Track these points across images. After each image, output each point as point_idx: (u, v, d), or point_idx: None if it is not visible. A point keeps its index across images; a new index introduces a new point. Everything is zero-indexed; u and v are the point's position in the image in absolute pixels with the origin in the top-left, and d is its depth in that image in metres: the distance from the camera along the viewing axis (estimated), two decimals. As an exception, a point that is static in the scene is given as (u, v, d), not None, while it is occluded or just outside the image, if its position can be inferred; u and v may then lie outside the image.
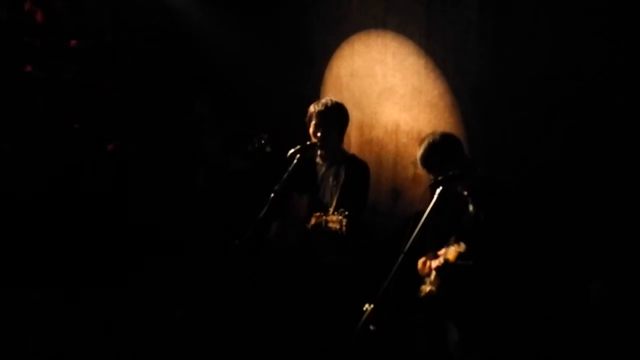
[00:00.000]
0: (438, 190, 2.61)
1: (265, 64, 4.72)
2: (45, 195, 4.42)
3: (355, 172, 3.28)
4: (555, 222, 2.99)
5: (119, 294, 4.02)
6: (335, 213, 2.99)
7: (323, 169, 3.41)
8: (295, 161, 3.25)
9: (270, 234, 3.47)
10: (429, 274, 2.82)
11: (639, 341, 2.71)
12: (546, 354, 2.86)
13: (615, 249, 2.86)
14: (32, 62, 4.47)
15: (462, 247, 2.72)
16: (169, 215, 4.67)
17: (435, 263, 2.77)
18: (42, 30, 4.49)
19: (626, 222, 2.83)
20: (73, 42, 4.54)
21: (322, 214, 3.08)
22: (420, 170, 2.78)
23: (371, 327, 2.49)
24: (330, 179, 3.34)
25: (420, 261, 2.88)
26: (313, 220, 3.12)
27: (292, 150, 3.31)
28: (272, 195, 3.19)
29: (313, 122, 3.35)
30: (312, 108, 3.37)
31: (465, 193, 2.76)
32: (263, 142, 3.82)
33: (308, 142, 3.35)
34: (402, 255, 2.54)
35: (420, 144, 2.74)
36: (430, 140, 2.71)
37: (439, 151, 2.68)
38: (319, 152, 3.41)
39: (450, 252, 2.75)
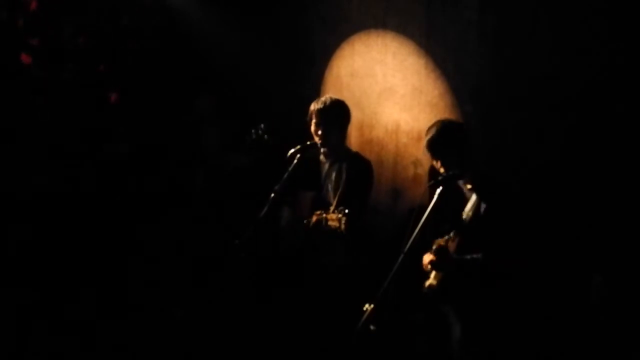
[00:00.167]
0: (438, 190, 2.62)
1: (265, 64, 4.71)
2: (45, 195, 4.42)
3: (358, 170, 3.28)
4: (555, 222, 2.99)
5: (119, 294, 4.02)
6: (335, 211, 2.99)
7: (326, 167, 3.41)
8: (295, 161, 3.25)
9: (280, 228, 3.47)
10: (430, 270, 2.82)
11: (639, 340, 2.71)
12: (546, 352, 2.86)
13: (615, 248, 2.86)
14: (32, 62, 4.48)
15: (454, 238, 2.72)
16: (169, 216, 4.67)
17: (427, 258, 2.77)
18: (42, 30, 4.49)
19: (626, 222, 2.83)
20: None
21: (322, 212, 3.09)
22: (425, 154, 2.77)
23: (371, 327, 2.49)
24: (333, 177, 3.33)
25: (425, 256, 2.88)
26: (314, 219, 3.12)
27: (292, 150, 3.31)
28: (273, 195, 3.19)
29: (313, 121, 3.34)
30: (312, 107, 3.36)
31: (469, 187, 2.76)
32: (261, 131, 3.80)
33: (308, 142, 3.35)
34: (402, 255, 2.54)
35: (428, 129, 2.74)
36: (439, 126, 2.72)
37: (446, 138, 2.68)
38: (322, 150, 3.41)
39: (439, 241, 2.76)
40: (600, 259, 2.88)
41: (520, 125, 3.20)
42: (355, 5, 4.06)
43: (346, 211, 2.95)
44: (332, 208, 3.07)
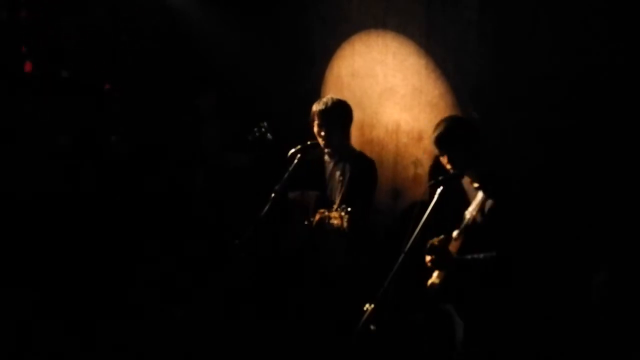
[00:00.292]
0: (438, 190, 2.62)
1: (265, 64, 4.71)
2: (45, 195, 4.42)
3: (361, 169, 3.28)
4: (554, 222, 2.99)
5: (119, 293, 4.02)
6: (338, 209, 3.00)
7: (330, 167, 3.42)
8: (295, 161, 3.25)
9: (281, 232, 3.47)
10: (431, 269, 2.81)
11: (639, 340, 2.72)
12: (547, 352, 2.86)
13: (614, 247, 2.86)
14: (32, 62, 4.48)
15: (458, 237, 2.72)
16: (169, 215, 4.67)
17: (427, 258, 2.76)
18: (42, 30, 4.49)
19: (626, 221, 2.83)
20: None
21: (325, 211, 3.09)
22: (436, 150, 2.76)
23: (372, 327, 2.49)
24: (337, 177, 3.34)
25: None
26: (317, 217, 3.13)
27: (292, 150, 3.31)
28: (273, 195, 3.19)
29: (316, 122, 3.34)
30: (314, 108, 3.37)
31: (475, 185, 2.75)
32: (264, 130, 3.80)
33: (308, 142, 3.36)
34: (402, 255, 2.55)
35: (437, 125, 2.74)
36: (448, 122, 2.72)
37: (454, 134, 2.69)
38: (325, 150, 3.41)
39: (433, 241, 2.75)
40: (600, 259, 2.88)
41: (520, 125, 3.20)
42: (355, 5, 4.06)
43: (349, 209, 2.96)
44: (335, 206, 3.08)
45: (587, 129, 2.97)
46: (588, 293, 2.88)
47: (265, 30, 4.71)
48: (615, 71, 2.87)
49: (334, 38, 4.23)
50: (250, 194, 3.78)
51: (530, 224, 2.68)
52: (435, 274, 2.77)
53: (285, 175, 3.24)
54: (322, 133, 3.31)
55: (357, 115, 3.60)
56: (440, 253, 2.69)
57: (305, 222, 3.24)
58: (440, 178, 2.67)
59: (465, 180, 2.84)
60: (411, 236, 2.54)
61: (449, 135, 2.69)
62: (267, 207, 3.17)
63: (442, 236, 2.77)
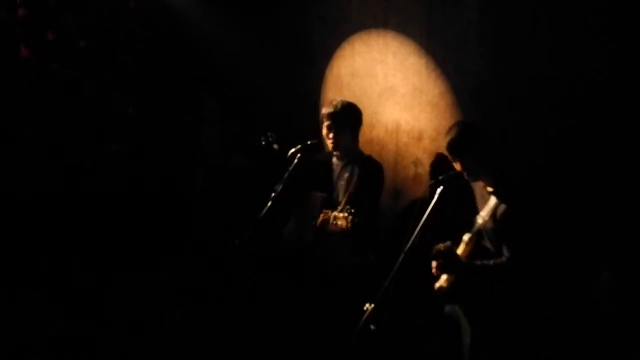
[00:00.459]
0: (439, 190, 2.62)
1: (265, 64, 4.72)
2: (45, 195, 4.42)
3: (370, 173, 3.30)
4: (554, 223, 2.98)
5: (119, 293, 4.02)
6: (343, 210, 3.01)
7: (338, 169, 3.43)
8: (296, 161, 3.26)
9: (284, 232, 3.47)
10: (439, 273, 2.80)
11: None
12: (550, 355, 2.86)
13: (614, 247, 2.86)
14: (32, 62, 4.47)
15: (469, 242, 2.71)
16: (169, 215, 4.67)
17: (434, 263, 2.75)
18: (42, 30, 4.49)
19: (627, 222, 2.84)
20: (83, 43, 4.54)
21: (329, 211, 3.11)
22: (448, 153, 2.73)
23: (372, 327, 2.50)
24: (344, 179, 3.35)
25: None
26: (321, 218, 3.14)
27: (292, 150, 3.32)
28: (273, 195, 3.19)
29: (325, 124, 3.36)
30: (324, 110, 3.38)
31: (489, 189, 2.74)
32: (271, 139, 3.81)
33: (309, 142, 3.36)
34: (402, 255, 2.55)
35: (448, 131, 2.72)
36: (459, 128, 2.70)
37: (465, 139, 2.66)
38: (334, 153, 3.43)
39: (439, 246, 2.74)
40: (601, 259, 2.88)
41: (520, 125, 3.20)
42: (355, 5, 4.06)
43: (353, 210, 2.97)
44: (340, 207, 3.09)
45: (587, 129, 2.97)
46: (589, 293, 2.88)
47: (265, 30, 4.71)
48: (615, 71, 2.87)
49: (334, 38, 4.23)
50: (250, 194, 3.79)
51: (542, 229, 2.67)
52: (444, 277, 2.75)
53: (286, 176, 3.25)
54: (331, 135, 3.33)
55: (357, 115, 3.60)
56: (448, 258, 2.68)
57: (310, 223, 3.25)
58: (440, 178, 2.67)
59: (479, 185, 2.82)
60: (411, 236, 2.55)
61: (461, 141, 2.66)
62: (267, 207, 3.17)
63: (448, 242, 2.77)
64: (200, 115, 4.80)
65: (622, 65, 2.84)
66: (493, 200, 2.69)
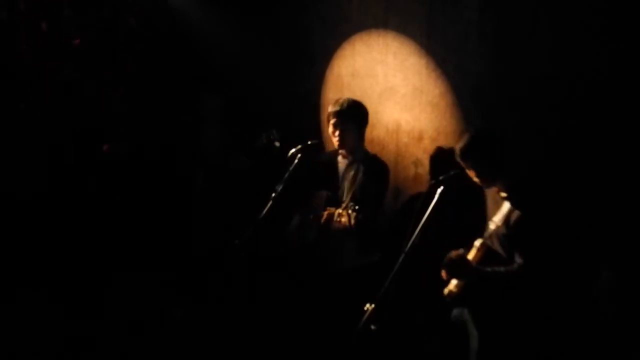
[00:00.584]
0: (439, 190, 2.62)
1: (265, 64, 4.72)
2: (45, 195, 4.42)
3: (375, 172, 3.30)
4: (554, 223, 2.98)
5: (119, 293, 4.02)
6: (346, 207, 3.02)
7: (343, 168, 3.43)
8: (296, 161, 3.26)
9: (288, 230, 3.47)
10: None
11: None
12: (548, 354, 2.85)
13: (614, 248, 2.86)
14: (32, 62, 4.47)
15: (481, 248, 2.69)
16: (169, 215, 4.67)
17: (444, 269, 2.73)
18: (42, 30, 4.49)
19: (627, 222, 2.83)
20: (77, 41, 4.53)
21: (334, 208, 3.11)
22: (458, 159, 2.70)
23: (372, 327, 2.50)
24: (349, 178, 3.35)
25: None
26: (325, 214, 3.15)
27: (292, 150, 3.32)
28: (273, 195, 3.19)
29: (331, 122, 3.36)
30: (330, 108, 3.38)
31: (503, 195, 2.71)
32: (273, 137, 3.81)
33: (309, 142, 3.36)
34: (402, 255, 2.55)
35: (460, 139, 2.69)
36: (470, 136, 2.67)
37: (476, 147, 2.63)
38: (340, 151, 3.43)
39: (453, 254, 2.72)
40: (601, 259, 2.88)
41: (520, 125, 3.20)
42: (355, 5, 4.06)
43: (356, 207, 2.97)
44: (343, 205, 3.09)
45: (587, 129, 2.97)
46: (589, 293, 2.87)
47: (265, 30, 4.71)
48: (615, 71, 2.87)
49: (334, 38, 4.23)
50: (250, 194, 3.79)
51: (554, 235, 2.63)
52: (454, 282, 2.74)
53: (286, 175, 3.25)
54: (337, 133, 3.33)
55: (357, 115, 3.59)
56: (460, 265, 2.65)
57: (314, 220, 3.25)
58: (440, 178, 2.67)
59: (492, 189, 2.81)
60: (412, 236, 2.54)
61: (472, 148, 2.63)
62: (267, 207, 3.17)
63: (460, 250, 2.75)
64: (200, 115, 4.79)
65: (622, 65, 2.84)
66: (506, 206, 2.66)
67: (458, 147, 2.67)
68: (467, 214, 3.17)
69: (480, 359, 2.66)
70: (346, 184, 3.36)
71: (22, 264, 4.13)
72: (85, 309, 3.81)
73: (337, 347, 2.78)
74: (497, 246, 2.71)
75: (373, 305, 2.51)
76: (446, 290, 2.77)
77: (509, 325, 2.65)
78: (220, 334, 3.57)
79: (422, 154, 3.69)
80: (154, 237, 4.53)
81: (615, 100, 2.88)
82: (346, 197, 3.27)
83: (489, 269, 2.62)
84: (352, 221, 2.99)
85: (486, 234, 2.71)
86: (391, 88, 3.87)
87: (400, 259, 2.55)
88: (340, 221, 3.06)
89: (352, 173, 3.36)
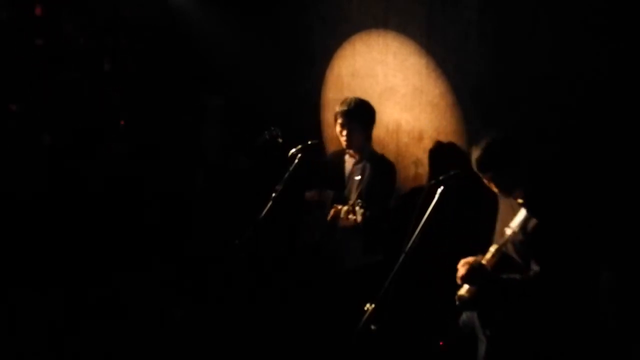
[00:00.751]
0: (439, 190, 2.61)
1: (265, 64, 4.72)
2: (45, 195, 4.42)
3: (382, 172, 3.31)
4: (571, 230, 2.96)
5: (119, 294, 4.02)
6: (353, 204, 3.02)
7: (350, 167, 3.44)
8: (296, 161, 3.26)
9: (300, 230, 3.48)
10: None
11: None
12: (548, 354, 2.85)
13: (614, 248, 2.86)
14: (32, 62, 4.48)
15: (496, 254, 2.65)
16: (169, 215, 4.67)
17: (459, 272, 2.68)
18: (42, 30, 4.50)
19: (627, 222, 2.84)
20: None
21: (340, 206, 3.11)
22: (476, 170, 2.58)
23: (372, 327, 2.50)
24: (356, 177, 3.36)
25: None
26: (332, 212, 3.15)
27: (293, 150, 3.32)
28: (273, 194, 3.20)
29: (338, 122, 3.37)
30: (337, 108, 3.39)
31: (520, 201, 2.63)
32: (275, 133, 3.81)
33: (309, 142, 3.37)
34: (403, 255, 2.55)
35: (475, 148, 2.55)
36: (485, 145, 2.51)
37: (496, 155, 2.50)
38: (347, 151, 3.44)
39: (469, 260, 2.68)
40: (601, 259, 2.88)
41: (520, 125, 3.19)
42: (355, 5, 4.06)
43: (362, 204, 2.97)
44: (350, 202, 3.10)
45: (587, 129, 2.96)
46: (589, 293, 2.87)
47: (265, 30, 4.71)
48: (615, 71, 2.87)
49: (334, 38, 4.23)
50: (250, 194, 3.79)
51: (576, 244, 2.57)
52: (465, 287, 2.66)
53: (286, 175, 3.25)
54: (345, 133, 3.33)
55: (357, 115, 3.59)
56: (478, 272, 2.57)
57: (320, 220, 3.26)
58: (440, 178, 2.66)
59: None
60: (412, 236, 2.54)
61: (489, 158, 2.50)
62: (267, 207, 3.18)
63: (479, 256, 2.69)
64: (200, 115, 4.80)
65: (622, 65, 2.84)
66: (523, 212, 2.59)
67: (474, 157, 2.53)
68: (468, 214, 3.17)
69: None
70: (353, 184, 3.37)
71: (22, 263, 4.13)
72: (86, 309, 3.81)
73: (337, 347, 2.78)
74: (512, 252, 2.67)
75: (373, 305, 2.51)
76: (457, 295, 2.72)
77: (519, 332, 2.61)
78: (220, 334, 3.57)
79: (422, 154, 3.69)
80: (154, 237, 4.53)
81: (615, 100, 2.88)
82: (353, 196, 3.28)
83: (504, 276, 2.57)
84: (360, 218, 2.99)
85: (502, 240, 2.66)
86: (391, 88, 3.87)
87: (401, 259, 2.54)
88: (348, 218, 3.06)
89: (359, 173, 3.36)
